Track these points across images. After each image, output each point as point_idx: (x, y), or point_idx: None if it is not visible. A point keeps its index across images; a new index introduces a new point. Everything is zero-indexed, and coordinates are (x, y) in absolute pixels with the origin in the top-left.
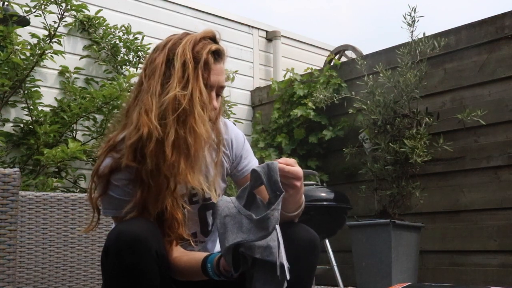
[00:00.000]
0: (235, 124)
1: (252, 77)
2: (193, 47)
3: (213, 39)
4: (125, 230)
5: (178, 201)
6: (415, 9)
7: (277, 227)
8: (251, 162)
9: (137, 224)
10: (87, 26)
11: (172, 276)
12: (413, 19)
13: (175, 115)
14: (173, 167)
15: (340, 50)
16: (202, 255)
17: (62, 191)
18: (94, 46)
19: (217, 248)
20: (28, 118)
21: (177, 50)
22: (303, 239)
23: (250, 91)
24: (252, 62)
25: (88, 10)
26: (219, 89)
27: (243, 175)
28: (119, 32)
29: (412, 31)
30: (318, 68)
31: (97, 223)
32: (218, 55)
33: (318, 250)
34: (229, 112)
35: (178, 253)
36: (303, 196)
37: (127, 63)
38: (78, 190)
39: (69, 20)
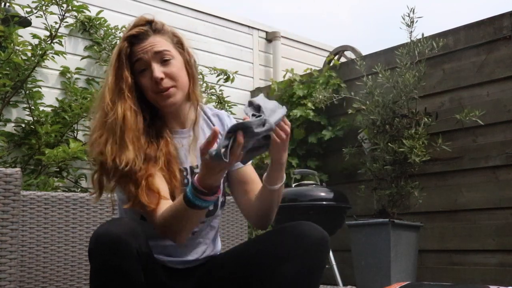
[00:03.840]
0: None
1: (252, 77)
2: (122, 40)
3: (147, 23)
4: (104, 232)
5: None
6: (413, 10)
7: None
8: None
9: (116, 225)
10: (88, 27)
11: (164, 235)
12: (411, 20)
13: (99, 105)
14: (99, 146)
15: (340, 51)
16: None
17: (64, 191)
18: (95, 47)
19: None
20: (30, 118)
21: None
22: (313, 236)
23: (250, 92)
24: (252, 63)
25: (89, 11)
26: (158, 55)
27: (237, 167)
28: (120, 32)
29: (411, 31)
30: (317, 68)
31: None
32: (138, 37)
33: (327, 248)
34: (229, 113)
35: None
36: (284, 174)
37: None
38: (79, 189)
39: (70, 20)
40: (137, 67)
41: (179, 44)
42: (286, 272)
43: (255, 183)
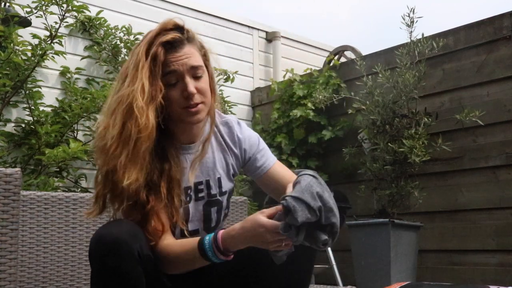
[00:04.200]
0: None
1: (252, 77)
2: (148, 44)
3: (176, 27)
4: (104, 234)
5: (174, 192)
6: (413, 10)
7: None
8: (269, 160)
9: (117, 226)
10: (88, 27)
11: (162, 268)
12: (411, 20)
13: (122, 110)
14: (114, 159)
15: (340, 51)
16: (195, 238)
17: (63, 191)
18: (95, 47)
19: None
20: (30, 118)
21: (134, 52)
22: None
23: (250, 92)
24: (252, 63)
25: (89, 11)
26: (193, 70)
27: (262, 173)
28: (120, 32)
29: (411, 31)
30: (317, 68)
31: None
32: (174, 43)
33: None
34: (229, 113)
35: (171, 240)
36: None
37: None
38: (79, 190)
39: (70, 20)
40: (168, 78)
41: (205, 56)
42: (278, 270)
43: (286, 178)
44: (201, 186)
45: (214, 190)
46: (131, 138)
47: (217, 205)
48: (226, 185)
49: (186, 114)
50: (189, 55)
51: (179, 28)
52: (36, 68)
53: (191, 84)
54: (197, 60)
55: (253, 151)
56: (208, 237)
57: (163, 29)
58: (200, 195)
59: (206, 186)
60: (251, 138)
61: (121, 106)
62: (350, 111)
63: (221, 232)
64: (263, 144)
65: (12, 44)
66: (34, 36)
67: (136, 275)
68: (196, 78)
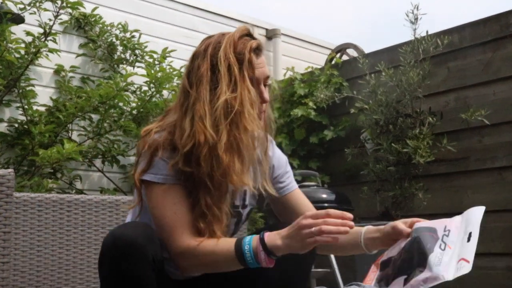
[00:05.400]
0: None
1: None
2: (234, 48)
3: (250, 34)
4: (120, 235)
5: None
6: (417, 6)
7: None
8: (293, 182)
9: (132, 228)
10: (83, 24)
11: (186, 269)
12: (415, 16)
13: (229, 119)
14: (229, 168)
15: (342, 49)
16: (232, 239)
17: (58, 193)
18: (90, 45)
19: None
20: (23, 117)
21: (219, 55)
22: None
23: None
24: None
25: (84, 8)
26: (266, 79)
27: (284, 193)
28: (115, 30)
29: (415, 29)
30: (319, 67)
31: (139, 201)
32: (259, 50)
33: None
34: None
35: (202, 240)
36: None
37: (124, 62)
38: (74, 191)
39: (65, 17)
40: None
41: None
42: (274, 272)
43: (305, 205)
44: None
45: (238, 202)
46: (243, 146)
47: (237, 217)
48: (250, 200)
49: None
50: (265, 63)
51: (251, 35)
52: (30, 66)
53: (267, 93)
54: (268, 70)
55: (281, 170)
56: (248, 238)
57: (243, 35)
58: None
59: (231, 195)
60: (280, 157)
61: (228, 113)
62: (352, 110)
63: (268, 234)
64: (289, 167)
65: (4, 42)
66: (28, 33)
67: (149, 280)
68: (265, 86)
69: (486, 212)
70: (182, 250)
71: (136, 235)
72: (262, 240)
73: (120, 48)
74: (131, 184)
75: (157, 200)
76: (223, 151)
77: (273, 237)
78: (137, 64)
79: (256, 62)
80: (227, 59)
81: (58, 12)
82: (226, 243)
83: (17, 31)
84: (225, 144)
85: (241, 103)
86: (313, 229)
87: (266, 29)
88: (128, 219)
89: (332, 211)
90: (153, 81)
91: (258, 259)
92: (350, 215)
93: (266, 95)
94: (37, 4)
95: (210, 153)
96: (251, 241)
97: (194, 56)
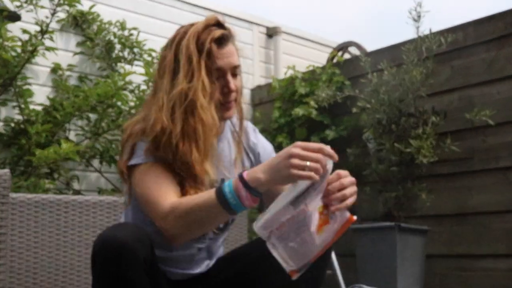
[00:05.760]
0: None
1: (252, 74)
2: (197, 38)
3: (217, 24)
4: (110, 237)
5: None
6: (420, 4)
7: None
8: None
9: (122, 230)
10: (80, 22)
11: (170, 237)
12: (418, 14)
13: (182, 108)
14: (185, 155)
15: (343, 47)
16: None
17: (55, 193)
18: (88, 43)
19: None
20: (19, 117)
21: (182, 45)
22: None
23: (250, 89)
24: (252, 59)
25: (82, 5)
26: (234, 69)
27: None
28: (113, 28)
29: (418, 27)
30: (320, 65)
31: (128, 194)
32: (222, 39)
33: (329, 250)
34: None
35: (184, 197)
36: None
37: (122, 60)
38: (71, 192)
39: (62, 15)
40: (213, 74)
41: (238, 55)
42: (286, 276)
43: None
44: (216, 184)
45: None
46: (198, 135)
47: None
48: None
49: (221, 110)
50: (232, 53)
51: (220, 25)
52: (26, 65)
53: (232, 82)
54: (237, 59)
55: (266, 156)
56: (229, 180)
57: (208, 25)
58: None
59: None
60: (265, 144)
61: (182, 103)
62: (354, 109)
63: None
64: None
65: (1, 40)
66: (24, 31)
67: (141, 283)
68: (234, 76)
69: (490, 212)
70: (166, 212)
71: (127, 236)
72: (242, 178)
73: (118, 46)
74: (119, 180)
75: (140, 177)
76: (178, 138)
77: (253, 173)
78: (135, 62)
79: (219, 52)
80: (188, 49)
81: (55, 9)
82: (207, 192)
83: (13, 29)
84: (180, 132)
85: (195, 92)
86: (308, 163)
87: (267, 27)
88: (122, 220)
89: (325, 147)
90: (152, 79)
91: (241, 199)
92: (336, 157)
93: (232, 84)
94: (34, 1)
95: (169, 141)
96: (230, 182)
97: (165, 46)
